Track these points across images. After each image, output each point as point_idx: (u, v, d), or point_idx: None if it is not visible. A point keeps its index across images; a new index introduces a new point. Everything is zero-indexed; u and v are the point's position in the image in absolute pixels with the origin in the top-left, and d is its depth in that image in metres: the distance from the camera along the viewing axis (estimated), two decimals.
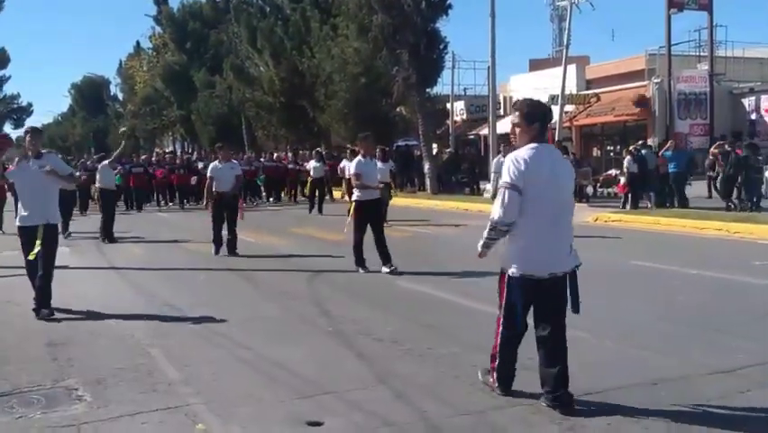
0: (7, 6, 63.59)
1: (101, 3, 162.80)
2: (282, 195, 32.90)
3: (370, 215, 11.63)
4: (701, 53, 40.27)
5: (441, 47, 31.74)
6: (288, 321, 8.47)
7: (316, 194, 24.31)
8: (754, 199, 19.61)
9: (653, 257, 12.65)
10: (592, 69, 47.42)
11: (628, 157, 21.76)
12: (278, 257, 13.90)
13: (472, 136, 46.08)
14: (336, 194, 28.55)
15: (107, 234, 16.72)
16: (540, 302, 5.47)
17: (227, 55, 49.81)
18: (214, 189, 13.86)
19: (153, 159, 35.49)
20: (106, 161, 18.50)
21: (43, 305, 8.38)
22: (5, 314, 9.08)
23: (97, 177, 18.04)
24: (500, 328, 5.56)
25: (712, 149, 23.28)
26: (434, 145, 34.26)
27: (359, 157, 12.06)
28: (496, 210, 5.25)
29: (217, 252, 13.77)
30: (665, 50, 37.59)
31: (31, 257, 8.46)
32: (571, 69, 39.24)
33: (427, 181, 31.32)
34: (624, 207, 21.21)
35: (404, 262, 11.50)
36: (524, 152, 5.22)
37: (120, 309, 9.03)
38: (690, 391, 5.59)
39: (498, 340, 5.56)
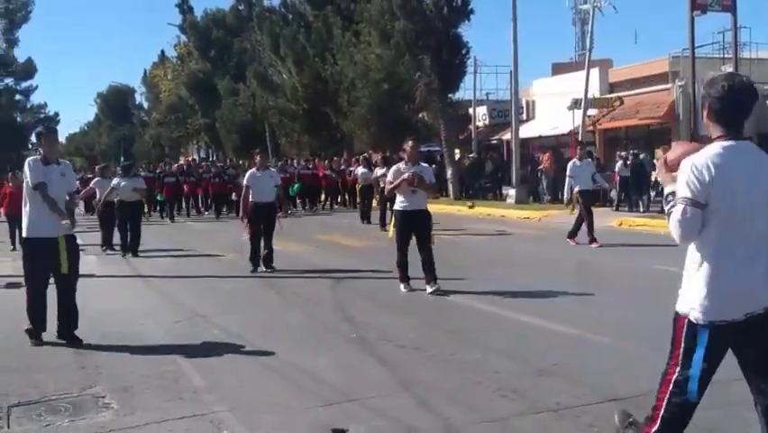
0: (33, 17, 64.32)
1: (126, 13, 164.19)
2: (318, 203, 31.81)
3: (414, 226, 10.36)
4: (726, 55, 39.89)
5: (463, 52, 31.74)
6: (312, 328, 8.49)
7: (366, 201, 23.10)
8: None
9: (677, 262, 12.54)
10: (615, 73, 47.12)
11: (620, 162, 24.01)
12: (301, 264, 13.89)
13: (495, 141, 45.93)
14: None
15: (124, 247, 15.84)
16: (744, 352, 4.03)
17: (250, 63, 50.03)
18: (251, 200, 12.68)
19: (185, 167, 34.54)
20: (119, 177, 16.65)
21: (74, 328, 7.75)
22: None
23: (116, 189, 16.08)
24: (668, 391, 4.09)
25: None
26: (457, 150, 34.21)
27: (400, 164, 10.80)
28: (673, 231, 3.77)
29: (255, 270, 12.70)
30: (689, 52, 37.22)
31: (64, 270, 7.58)
32: (594, 72, 39.11)
33: (450, 186, 31.27)
34: (617, 208, 23.71)
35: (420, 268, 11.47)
36: (709, 153, 3.68)
37: (146, 317, 9.11)
38: (716, 396, 5.52)
39: (662, 408, 4.10)
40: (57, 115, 78.12)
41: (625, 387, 5.76)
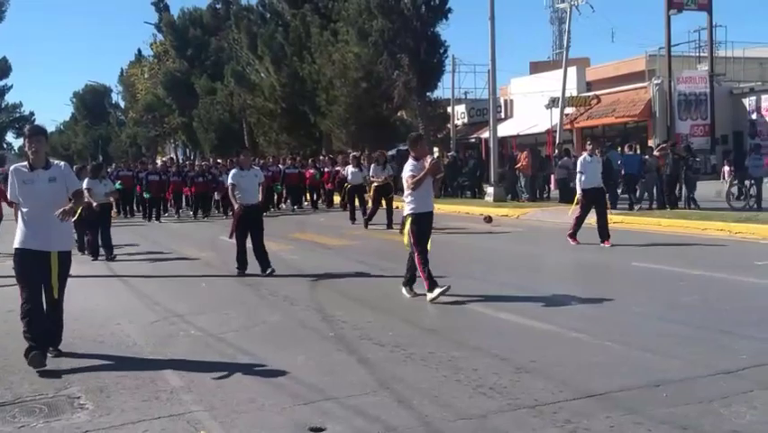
0: (8, 15, 63.71)
1: (102, 11, 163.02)
2: (303, 201, 31.08)
3: (430, 227, 9.89)
4: (701, 54, 40.35)
5: (441, 51, 31.90)
6: (290, 327, 8.44)
7: (356, 202, 22.06)
8: (691, 196, 21.57)
9: (654, 258, 12.66)
10: (592, 71, 47.55)
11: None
12: (278, 263, 13.79)
13: (473, 139, 46.14)
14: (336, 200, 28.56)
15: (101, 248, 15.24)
16: None
17: (228, 62, 49.99)
18: (238, 202, 12.18)
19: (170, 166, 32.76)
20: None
21: (57, 345, 7.10)
22: (8, 323, 9.05)
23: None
24: None
25: (655, 151, 23.84)
26: (436, 149, 34.29)
27: (410, 160, 9.83)
28: None
29: (242, 272, 12.19)
30: (665, 50, 37.69)
31: (55, 294, 6.88)
32: (572, 71, 39.35)
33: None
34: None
35: (401, 266, 11.42)
36: None
37: (122, 318, 9.03)
38: (692, 393, 5.59)
39: None
40: (32, 114, 77.84)
41: (601, 383, 5.81)
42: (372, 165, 21.16)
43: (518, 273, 11.92)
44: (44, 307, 6.85)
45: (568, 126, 38.68)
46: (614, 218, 19.31)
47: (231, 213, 14.72)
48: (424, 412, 5.31)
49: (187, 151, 65.84)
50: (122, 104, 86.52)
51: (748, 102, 42.76)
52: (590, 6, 35.01)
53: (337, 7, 36.90)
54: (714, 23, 38.68)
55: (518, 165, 27.88)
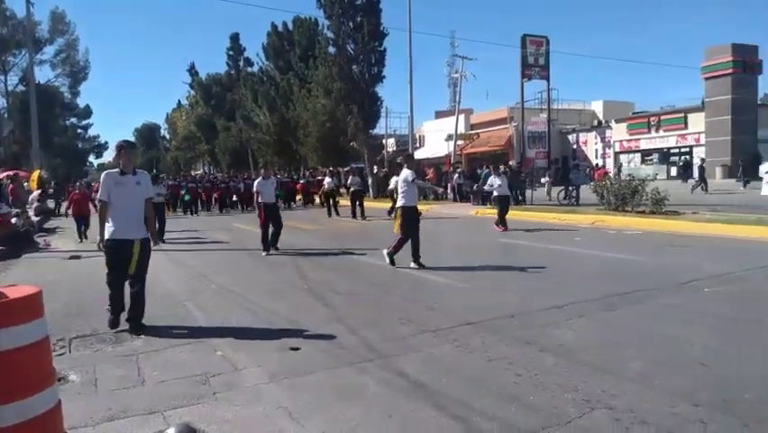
0: (90, 75, 61.42)
1: (155, 74, 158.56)
2: (294, 202, 30.13)
3: (417, 218, 9.39)
4: (542, 106, 40.92)
5: (378, 103, 31.81)
6: (278, 283, 8.34)
7: (330, 201, 21.04)
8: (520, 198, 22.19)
9: (514, 237, 12.84)
10: (475, 117, 48.01)
11: (456, 174, 25.43)
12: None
13: (400, 161, 46.21)
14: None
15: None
16: None
17: (238, 109, 49.60)
18: (260, 200, 11.56)
19: (204, 177, 32.35)
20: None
21: (140, 316, 5.90)
22: (88, 283, 8.74)
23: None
24: None
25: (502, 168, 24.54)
26: (375, 167, 34.26)
27: (405, 169, 9.34)
28: None
29: (267, 251, 11.26)
30: (520, 104, 38.09)
31: (131, 271, 5.81)
32: (462, 117, 39.66)
33: (371, 190, 31.27)
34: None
35: (355, 243, 11.40)
36: None
37: (164, 277, 8.83)
38: (534, 321, 5.69)
39: None
40: (106, 143, 74.80)
41: (477, 316, 5.86)
42: (350, 177, 20.48)
43: (430, 247, 11.93)
44: (125, 285, 5.91)
45: (459, 153, 39.03)
46: (487, 211, 19.60)
47: (249, 209, 14.02)
48: (366, 337, 5.31)
49: (212, 168, 64.91)
50: (167, 136, 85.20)
51: (571, 137, 43.75)
52: (473, 75, 35.59)
53: (311, 74, 36.89)
54: (551, 87, 39.24)
55: (427, 177, 27.98)
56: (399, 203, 9.32)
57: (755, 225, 11.77)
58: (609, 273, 8.07)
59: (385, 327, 5.60)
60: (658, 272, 7.93)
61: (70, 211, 14.82)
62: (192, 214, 25.82)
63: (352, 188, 19.86)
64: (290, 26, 44.27)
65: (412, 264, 8.98)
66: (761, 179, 23.75)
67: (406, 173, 9.34)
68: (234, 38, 57.15)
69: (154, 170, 26.49)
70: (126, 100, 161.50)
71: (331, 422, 3.58)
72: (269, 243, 11.42)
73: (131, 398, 4.03)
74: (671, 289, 6.87)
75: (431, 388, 4.04)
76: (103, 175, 6.00)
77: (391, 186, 16.69)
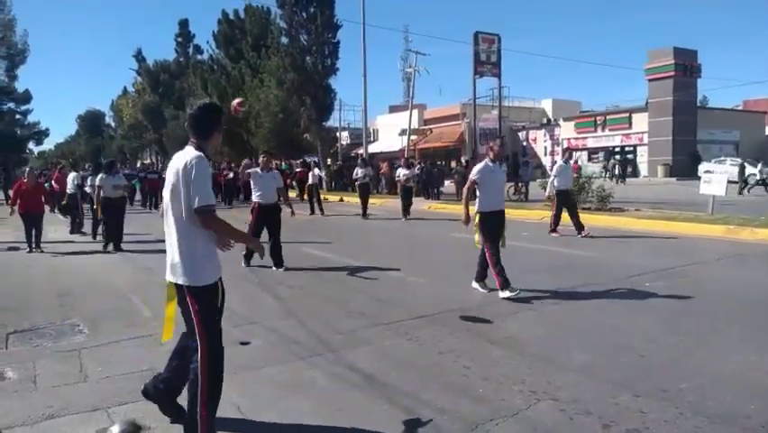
0: (29, 59, 58.61)
1: (98, 60, 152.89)
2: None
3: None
4: (494, 104, 41.68)
5: (332, 95, 31.65)
6: (230, 277, 8.18)
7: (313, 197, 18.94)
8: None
9: (465, 231, 12.94)
10: (428, 113, 48.34)
11: (400, 169, 24.42)
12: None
13: (353, 154, 46.05)
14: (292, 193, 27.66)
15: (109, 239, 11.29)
16: None
17: (187, 98, 48.24)
18: (255, 200, 8.91)
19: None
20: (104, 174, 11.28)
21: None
22: (26, 276, 8.41)
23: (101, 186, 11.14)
24: None
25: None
26: (329, 160, 34.12)
27: (400, 168, 7.81)
28: None
29: (248, 264, 8.93)
30: (472, 101, 38.69)
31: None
32: (415, 112, 39.90)
33: (323, 183, 31.10)
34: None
35: (309, 234, 11.30)
36: None
37: (110, 270, 8.55)
38: (483, 313, 5.78)
39: None
40: (47, 129, 71.87)
41: (428, 309, 5.93)
42: (357, 168, 18.03)
43: (381, 243, 11.95)
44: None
45: (412, 147, 39.25)
46: (437, 205, 19.80)
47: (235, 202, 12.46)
48: (315, 330, 5.29)
49: (159, 158, 63.25)
50: (112, 124, 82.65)
51: (522, 134, 44.64)
52: (427, 71, 35.94)
53: (263, 63, 36.27)
54: (502, 85, 40.00)
55: (381, 171, 28.01)
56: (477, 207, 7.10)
57: (693, 223, 12.31)
58: (556, 268, 8.27)
59: (334, 321, 5.59)
60: (603, 267, 8.20)
61: (17, 207, 10.94)
62: (149, 207, 24.37)
63: (358, 182, 17.13)
64: (242, 14, 43.52)
65: (476, 285, 6.98)
66: (699, 178, 24.88)
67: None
68: (183, 24, 55.86)
69: (100, 159, 25.14)
70: (70, 85, 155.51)
71: (281, 417, 3.56)
72: (274, 261, 8.70)
73: (73, 395, 3.89)
74: (615, 283, 7.11)
75: (382, 381, 4.06)
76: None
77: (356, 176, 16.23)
